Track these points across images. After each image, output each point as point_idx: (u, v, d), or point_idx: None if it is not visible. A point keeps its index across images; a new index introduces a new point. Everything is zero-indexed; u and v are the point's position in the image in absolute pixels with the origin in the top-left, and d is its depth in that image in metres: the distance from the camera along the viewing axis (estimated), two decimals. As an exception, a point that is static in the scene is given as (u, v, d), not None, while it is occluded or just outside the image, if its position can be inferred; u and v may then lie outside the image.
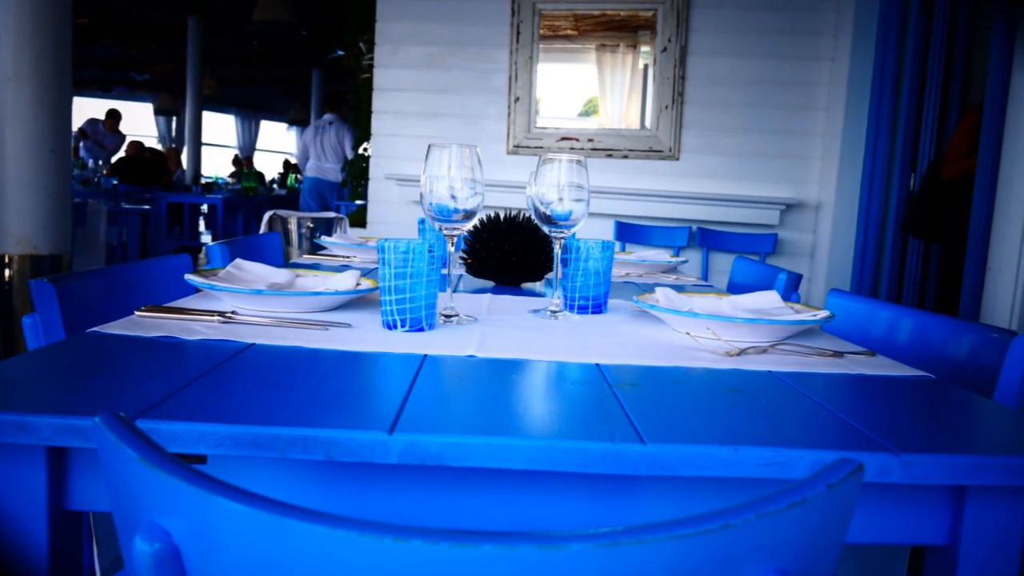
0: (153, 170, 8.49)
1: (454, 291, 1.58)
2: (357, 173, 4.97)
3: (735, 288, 2.15)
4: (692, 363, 0.96)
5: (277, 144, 17.08)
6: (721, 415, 0.75)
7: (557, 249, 1.27)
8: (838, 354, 1.04)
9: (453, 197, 1.12)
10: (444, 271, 1.75)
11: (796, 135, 3.72)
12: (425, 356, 0.93)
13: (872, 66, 3.46)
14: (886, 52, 3.41)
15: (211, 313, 1.07)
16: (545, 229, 1.24)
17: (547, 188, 1.21)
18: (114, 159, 8.87)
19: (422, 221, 1.87)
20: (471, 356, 0.94)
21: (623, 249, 3.58)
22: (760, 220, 3.71)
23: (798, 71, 3.67)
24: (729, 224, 3.77)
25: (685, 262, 2.20)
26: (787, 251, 3.79)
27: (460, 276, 1.83)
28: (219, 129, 15.49)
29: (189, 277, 1.19)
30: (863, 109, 3.50)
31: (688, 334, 1.11)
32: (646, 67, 3.86)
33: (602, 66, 3.94)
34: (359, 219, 4.32)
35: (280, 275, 1.30)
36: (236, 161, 13.73)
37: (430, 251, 1.04)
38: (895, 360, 1.06)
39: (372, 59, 3.97)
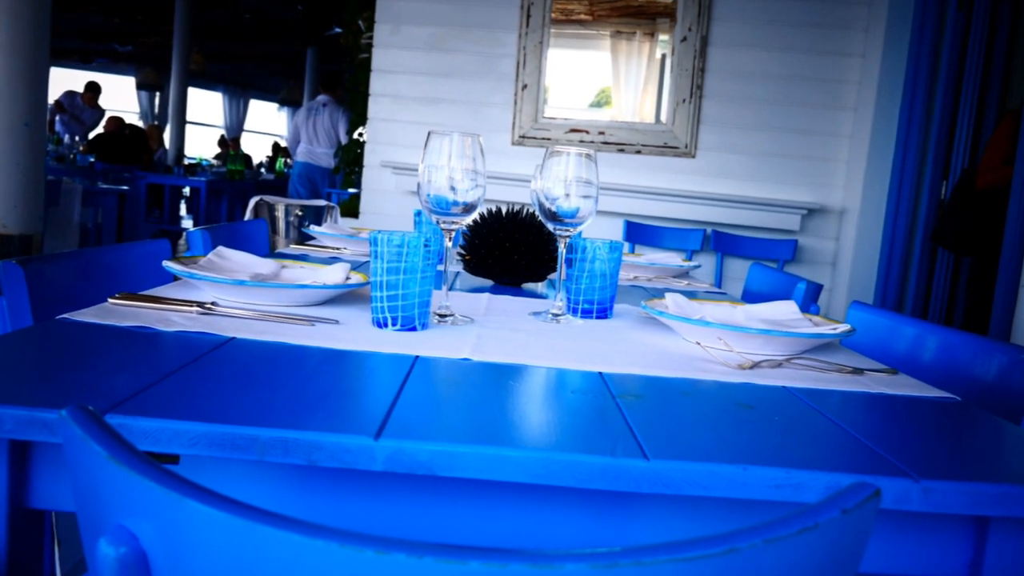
0: (133, 148, 8.50)
1: (450, 289, 1.58)
2: (351, 159, 4.97)
3: (750, 296, 2.15)
4: (701, 375, 0.96)
5: (267, 125, 17.09)
6: (730, 432, 0.75)
7: (562, 248, 1.27)
8: (858, 371, 1.04)
9: (453, 189, 1.12)
10: (440, 267, 1.75)
11: (821, 135, 3.72)
12: (416, 357, 0.93)
13: (905, 64, 3.46)
14: (920, 50, 3.41)
15: (190, 303, 1.07)
16: (549, 226, 1.24)
17: (553, 183, 1.21)
18: (92, 135, 8.87)
19: (418, 213, 1.87)
20: (466, 359, 0.94)
21: (632, 251, 3.58)
22: (780, 225, 3.71)
23: (826, 67, 3.68)
24: (746, 228, 3.77)
25: (698, 267, 2.20)
26: (807, 259, 3.79)
27: (457, 273, 1.83)
28: (205, 107, 15.49)
29: (168, 264, 1.19)
30: (894, 110, 3.50)
31: (698, 344, 1.11)
32: (663, 57, 3.87)
33: (616, 55, 3.94)
34: (351, 208, 4.33)
35: (265, 265, 1.30)
36: (222, 142, 13.72)
37: (426, 245, 1.04)
38: (919, 379, 1.06)
39: (371, 38, 3.98)
